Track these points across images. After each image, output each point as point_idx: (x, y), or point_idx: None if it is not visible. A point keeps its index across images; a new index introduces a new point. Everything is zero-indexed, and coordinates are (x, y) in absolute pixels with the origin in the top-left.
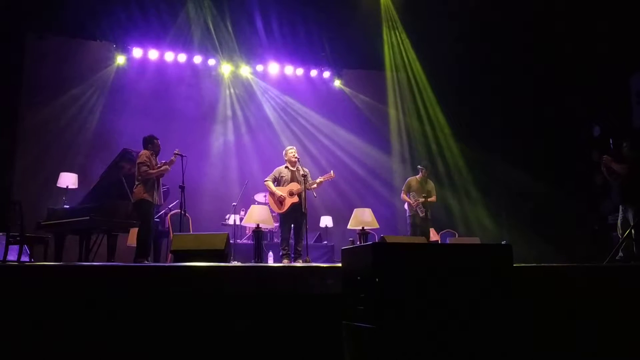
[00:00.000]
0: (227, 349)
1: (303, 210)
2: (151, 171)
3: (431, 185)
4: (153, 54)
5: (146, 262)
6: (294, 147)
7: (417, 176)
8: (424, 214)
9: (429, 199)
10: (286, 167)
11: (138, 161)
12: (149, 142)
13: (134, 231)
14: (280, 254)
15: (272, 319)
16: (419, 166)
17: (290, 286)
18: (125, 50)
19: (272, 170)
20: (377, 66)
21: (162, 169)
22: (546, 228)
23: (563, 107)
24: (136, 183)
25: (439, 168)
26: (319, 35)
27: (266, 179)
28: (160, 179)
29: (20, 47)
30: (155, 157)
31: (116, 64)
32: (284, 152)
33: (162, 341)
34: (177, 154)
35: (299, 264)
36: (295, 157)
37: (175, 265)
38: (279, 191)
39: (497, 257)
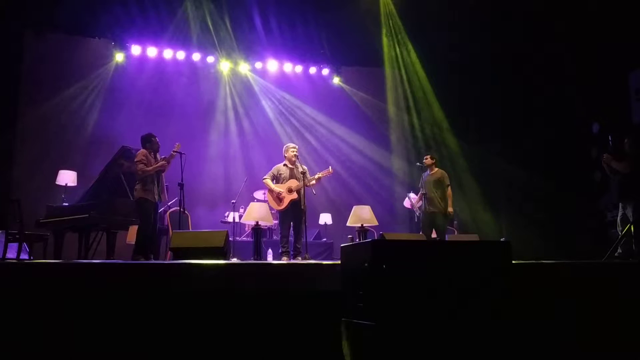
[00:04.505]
0: (226, 347)
1: (302, 207)
2: (147, 168)
3: (436, 175)
4: (152, 52)
5: (143, 259)
6: (296, 146)
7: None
8: (423, 209)
9: (427, 194)
10: (285, 164)
11: (135, 160)
12: (147, 141)
13: (133, 229)
14: (280, 251)
15: (271, 316)
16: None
17: (290, 283)
18: (124, 47)
19: (271, 168)
20: (376, 63)
21: (159, 164)
22: (545, 225)
23: (562, 105)
24: (137, 182)
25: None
26: (317, 33)
27: (265, 177)
28: (163, 175)
29: (18, 45)
30: (155, 154)
31: (115, 61)
32: (284, 148)
33: (162, 339)
34: (175, 151)
35: (299, 261)
36: (295, 156)
37: (175, 263)
38: (278, 188)
39: (496, 254)
